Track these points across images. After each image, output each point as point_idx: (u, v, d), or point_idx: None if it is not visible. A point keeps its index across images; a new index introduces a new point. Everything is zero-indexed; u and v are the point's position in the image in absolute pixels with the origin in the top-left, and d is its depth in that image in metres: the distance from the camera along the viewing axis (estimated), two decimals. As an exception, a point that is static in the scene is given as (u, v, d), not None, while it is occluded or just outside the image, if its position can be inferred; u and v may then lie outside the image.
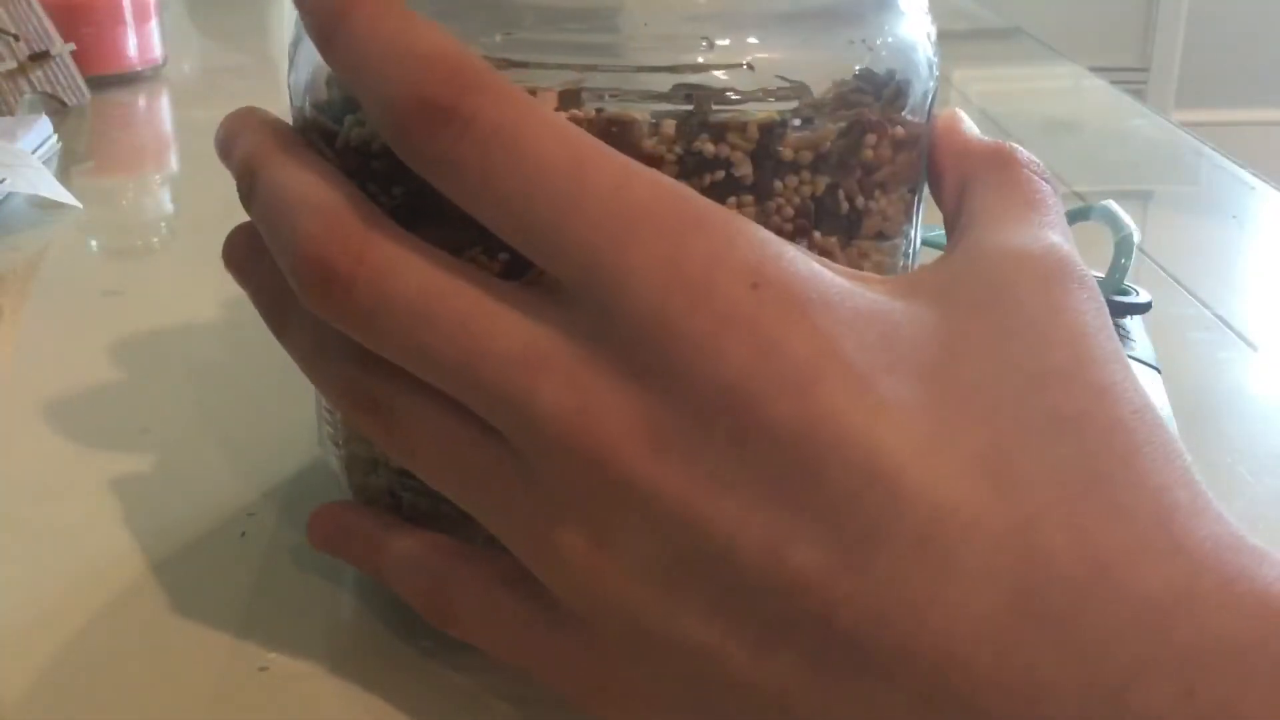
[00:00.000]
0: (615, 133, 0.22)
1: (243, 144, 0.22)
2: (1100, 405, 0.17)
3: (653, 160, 0.22)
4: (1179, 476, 0.17)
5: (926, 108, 0.25)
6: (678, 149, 0.22)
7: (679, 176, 0.22)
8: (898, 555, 0.16)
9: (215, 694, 0.23)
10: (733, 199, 0.23)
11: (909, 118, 0.24)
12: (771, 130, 0.22)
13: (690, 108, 0.22)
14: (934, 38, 0.25)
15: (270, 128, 0.23)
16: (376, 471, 0.25)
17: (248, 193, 0.22)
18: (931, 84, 0.25)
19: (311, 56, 0.24)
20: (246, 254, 0.23)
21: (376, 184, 0.23)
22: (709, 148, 0.22)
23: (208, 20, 0.89)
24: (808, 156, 0.23)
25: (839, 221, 0.24)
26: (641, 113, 0.22)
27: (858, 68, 0.23)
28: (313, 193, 0.20)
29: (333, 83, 0.23)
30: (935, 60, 0.25)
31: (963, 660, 0.16)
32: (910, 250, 0.26)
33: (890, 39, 0.24)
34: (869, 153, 0.23)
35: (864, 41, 0.24)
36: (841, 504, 0.17)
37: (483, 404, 0.19)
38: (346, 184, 0.21)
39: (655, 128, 0.22)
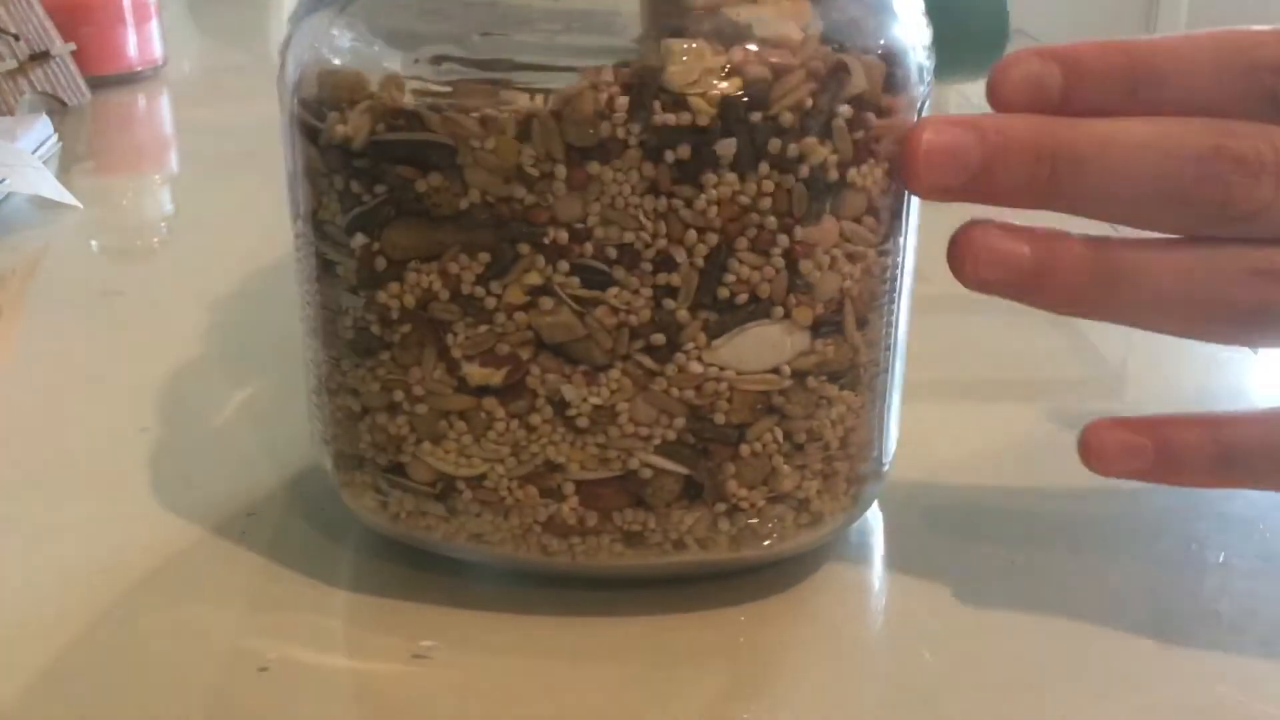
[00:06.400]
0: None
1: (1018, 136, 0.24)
2: None
3: (615, 144, 0.21)
4: None
5: (916, 111, 0.24)
6: (634, 126, 0.21)
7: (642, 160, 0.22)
8: None
9: (215, 694, 0.23)
10: (711, 174, 0.22)
11: (892, 98, 0.23)
12: (731, 101, 0.22)
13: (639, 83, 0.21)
14: (928, 44, 0.25)
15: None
16: (362, 468, 0.26)
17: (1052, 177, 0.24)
18: (923, 89, 0.24)
19: (301, 55, 0.24)
20: (1027, 261, 0.24)
21: (360, 182, 0.23)
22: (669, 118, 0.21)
23: (208, 20, 0.89)
24: (781, 122, 0.22)
25: (817, 202, 0.23)
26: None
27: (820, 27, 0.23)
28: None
29: (323, 80, 0.24)
30: (928, 66, 0.24)
31: None
32: (900, 255, 0.25)
33: (883, 41, 0.24)
34: (845, 122, 0.23)
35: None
36: None
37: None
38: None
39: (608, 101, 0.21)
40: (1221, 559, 0.28)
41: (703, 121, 0.22)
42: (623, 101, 0.21)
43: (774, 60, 0.22)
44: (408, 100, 0.22)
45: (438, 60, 0.22)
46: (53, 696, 0.23)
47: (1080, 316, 0.25)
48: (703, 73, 0.22)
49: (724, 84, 0.22)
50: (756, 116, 0.22)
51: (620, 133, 0.22)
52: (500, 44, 0.22)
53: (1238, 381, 0.37)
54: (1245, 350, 0.38)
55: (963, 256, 0.24)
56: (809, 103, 0.22)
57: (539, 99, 0.22)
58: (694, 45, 0.22)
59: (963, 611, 0.26)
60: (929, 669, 0.24)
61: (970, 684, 0.24)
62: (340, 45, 0.23)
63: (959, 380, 0.36)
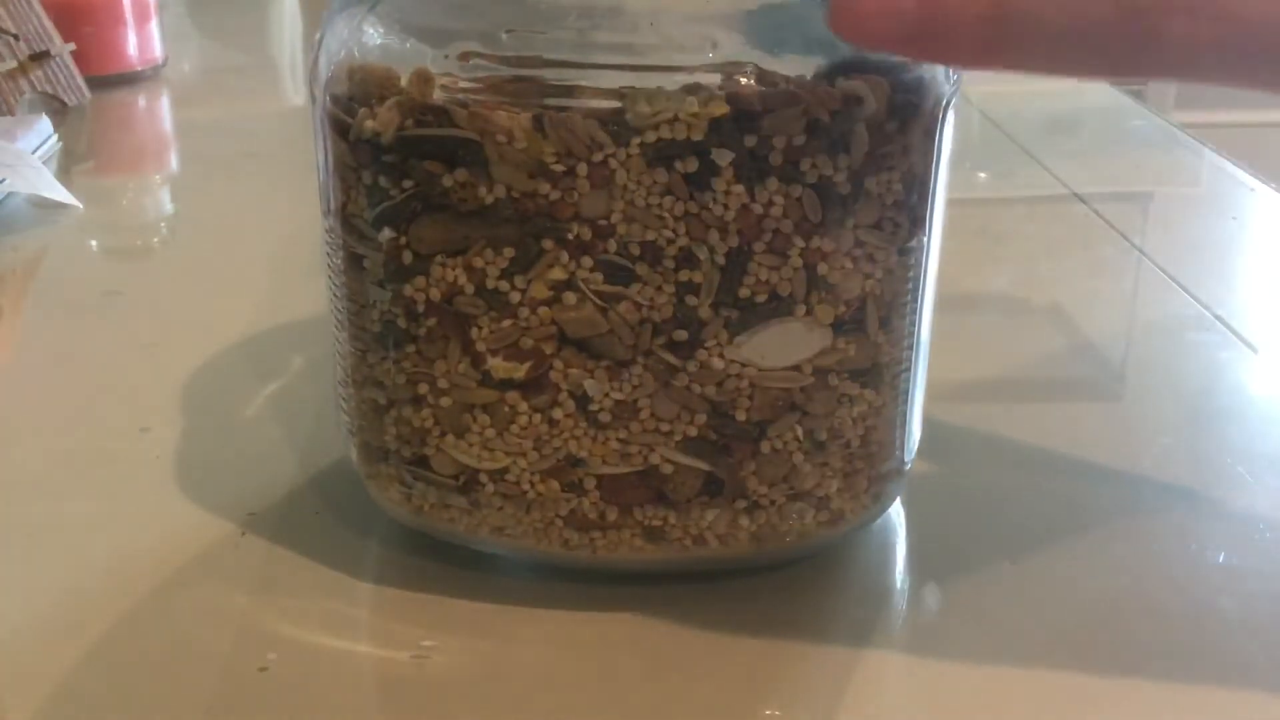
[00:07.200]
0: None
1: None
2: None
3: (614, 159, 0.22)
4: None
5: (941, 111, 0.24)
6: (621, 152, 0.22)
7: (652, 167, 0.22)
8: None
9: (215, 694, 0.23)
10: (720, 180, 0.22)
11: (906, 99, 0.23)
12: (720, 122, 0.22)
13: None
14: None
15: None
16: (387, 460, 0.26)
17: None
18: (949, 88, 0.24)
19: (333, 51, 0.24)
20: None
21: (388, 177, 0.23)
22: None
23: (208, 20, 0.89)
24: (782, 141, 0.22)
25: (831, 210, 0.23)
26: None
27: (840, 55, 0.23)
28: None
29: (354, 76, 0.24)
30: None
31: None
32: (923, 253, 0.25)
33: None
34: (860, 131, 0.23)
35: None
36: None
37: None
38: None
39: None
40: (1221, 559, 0.28)
41: (696, 136, 0.22)
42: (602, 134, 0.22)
43: (773, 91, 0.22)
44: (436, 96, 0.22)
45: (466, 57, 0.23)
46: (50, 695, 0.23)
47: (981, 67, 0.22)
48: (665, 104, 0.22)
49: (712, 106, 0.22)
50: (751, 140, 0.22)
51: (612, 162, 0.22)
52: (527, 41, 0.23)
53: (1238, 381, 0.38)
54: (1246, 350, 0.39)
55: (841, 13, 0.21)
56: (817, 122, 0.22)
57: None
58: (661, 90, 0.22)
59: (981, 610, 0.26)
60: (947, 667, 0.25)
61: (985, 682, 0.24)
62: (371, 42, 0.24)
63: (965, 380, 0.37)
